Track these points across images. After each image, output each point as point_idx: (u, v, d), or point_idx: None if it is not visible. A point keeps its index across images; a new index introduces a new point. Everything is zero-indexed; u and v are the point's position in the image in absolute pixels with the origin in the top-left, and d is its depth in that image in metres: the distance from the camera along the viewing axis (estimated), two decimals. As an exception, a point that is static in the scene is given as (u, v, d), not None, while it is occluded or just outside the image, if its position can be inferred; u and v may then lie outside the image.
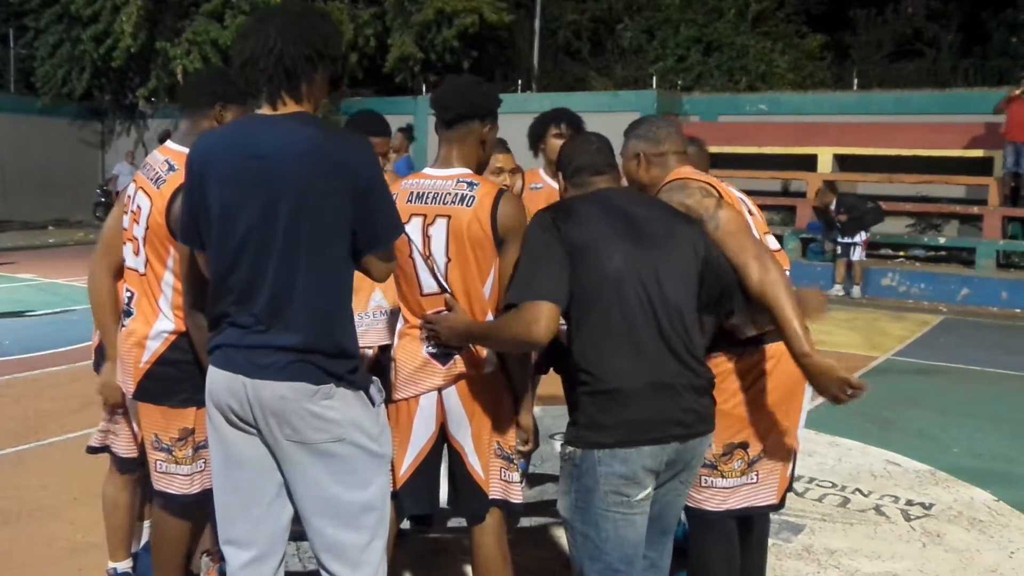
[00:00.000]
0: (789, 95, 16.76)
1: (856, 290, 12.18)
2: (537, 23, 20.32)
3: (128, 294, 2.80)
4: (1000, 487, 4.73)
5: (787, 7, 20.72)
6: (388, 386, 2.64)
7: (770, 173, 14.73)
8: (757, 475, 2.74)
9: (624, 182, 2.68)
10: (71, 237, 17.57)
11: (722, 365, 2.68)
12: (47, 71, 19.61)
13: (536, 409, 2.92)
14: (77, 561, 3.58)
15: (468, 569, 3.09)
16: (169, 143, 2.82)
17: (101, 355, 3.05)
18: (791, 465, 2.87)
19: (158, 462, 2.77)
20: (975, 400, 6.85)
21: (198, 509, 2.84)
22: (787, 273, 2.58)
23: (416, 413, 2.67)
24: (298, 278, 2.09)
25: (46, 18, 19.43)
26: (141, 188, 2.74)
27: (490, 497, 2.68)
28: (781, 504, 2.87)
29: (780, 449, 2.77)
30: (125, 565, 3.24)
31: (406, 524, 3.06)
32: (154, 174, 2.72)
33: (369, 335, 3.12)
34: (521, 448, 2.75)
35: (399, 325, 2.77)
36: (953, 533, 4.11)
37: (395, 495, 2.63)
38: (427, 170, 2.72)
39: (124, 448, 3.07)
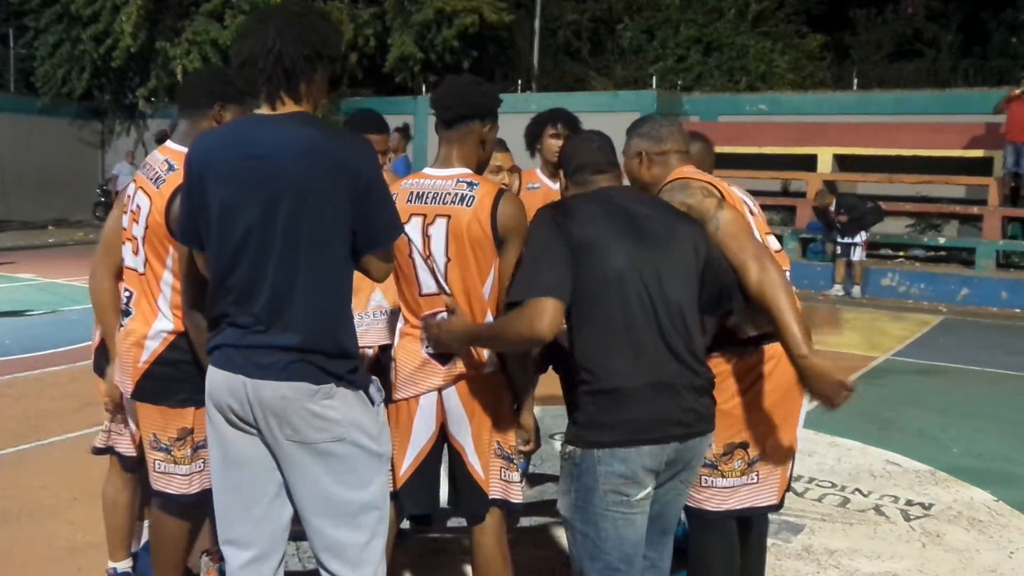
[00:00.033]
0: (789, 95, 16.75)
1: (856, 290, 12.20)
2: (537, 23, 20.33)
3: (127, 294, 2.79)
4: (1000, 487, 4.73)
5: (787, 7, 20.70)
6: (388, 386, 2.64)
7: (770, 173, 14.72)
8: (757, 475, 2.74)
9: (626, 181, 2.68)
10: (71, 237, 17.56)
11: (722, 365, 2.68)
12: (47, 71, 19.59)
13: (536, 409, 2.91)
14: (77, 561, 3.58)
15: (468, 569, 3.09)
16: (169, 143, 2.81)
17: (101, 355, 3.05)
18: (791, 465, 2.88)
19: (157, 462, 2.77)
20: (975, 400, 6.85)
21: (197, 509, 2.84)
22: (787, 274, 2.58)
23: (416, 413, 2.67)
24: (298, 278, 2.09)
25: (46, 18, 19.40)
26: (141, 188, 2.73)
27: (490, 497, 2.68)
28: (780, 504, 2.87)
29: (780, 449, 2.77)
30: (125, 565, 3.24)
31: (406, 524, 3.05)
32: (154, 174, 2.71)
33: (369, 335, 3.12)
34: (523, 448, 2.75)
35: (399, 325, 2.77)
36: (953, 533, 4.11)
37: (395, 495, 2.63)
38: (427, 170, 2.71)
39: (128, 448, 3.07)
